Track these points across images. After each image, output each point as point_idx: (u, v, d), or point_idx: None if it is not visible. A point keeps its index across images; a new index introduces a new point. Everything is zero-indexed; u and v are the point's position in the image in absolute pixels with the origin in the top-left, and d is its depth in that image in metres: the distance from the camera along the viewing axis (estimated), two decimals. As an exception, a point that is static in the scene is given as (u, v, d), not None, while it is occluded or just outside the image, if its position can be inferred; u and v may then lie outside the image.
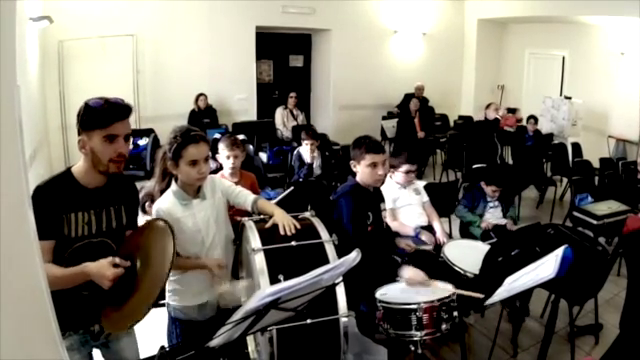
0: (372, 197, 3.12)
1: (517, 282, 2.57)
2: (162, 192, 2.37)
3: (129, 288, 1.77)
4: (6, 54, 1.03)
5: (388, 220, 3.75)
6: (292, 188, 3.65)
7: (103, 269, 1.74)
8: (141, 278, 1.79)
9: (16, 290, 1.03)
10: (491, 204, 4.52)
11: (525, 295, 3.76)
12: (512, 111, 8.10)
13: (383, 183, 3.84)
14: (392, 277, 2.95)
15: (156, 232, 1.95)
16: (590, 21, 8.59)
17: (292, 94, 8.76)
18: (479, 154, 6.67)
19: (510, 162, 7.70)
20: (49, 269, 1.70)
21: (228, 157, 3.39)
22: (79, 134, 1.90)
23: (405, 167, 3.91)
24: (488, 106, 7.14)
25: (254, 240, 2.16)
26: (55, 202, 1.84)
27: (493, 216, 4.50)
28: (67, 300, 1.88)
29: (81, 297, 1.93)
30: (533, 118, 8.26)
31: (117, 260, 1.78)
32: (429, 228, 3.96)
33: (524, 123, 8.58)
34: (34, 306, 1.16)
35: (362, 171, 3.02)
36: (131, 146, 7.02)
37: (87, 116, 1.86)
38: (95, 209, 1.96)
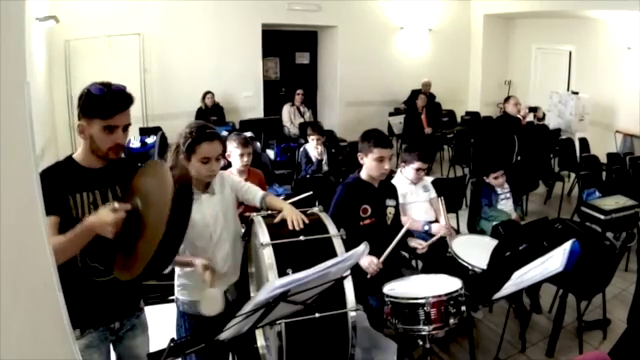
0: (375, 192, 3.13)
1: (525, 276, 2.57)
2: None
3: (137, 232, 1.71)
4: (16, 51, 1.05)
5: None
6: (310, 192, 3.66)
7: (103, 216, 1.68)
8: (146, 218, 1.72)
9: (28, 287, 1.04)
10: (502, 196, 4.42)
11: (534, 291, 3.76)
12: (533, 109, 8.01)
13: (392, 178, 3.86)
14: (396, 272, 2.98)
15: (149, 171, 1.89)
16: (596, 16, 8.53)
17: (299, 91, 8.76)
18: (496, 151, 6.40)
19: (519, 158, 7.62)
20: (53, 239, 1.66)
21: (242, 155, 3.43)
22: (79, 118, 1.88)
23: (417, 164, 3.91)
24: (507, 100, 6.73)
25: (263, 235, 2.17)
26: (59, 183, 1.83)
27: (506, 207, 4.40)
28: (87, 298, 1.90)
29: (100, 293, 1.94)
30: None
31: (116, 205, 1.72)
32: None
33: (545, 122, 8.38)
34: (46, 303, 1.17)
35: (369, 164, 3.05)
36: (139, 144, 6.97)
37: (88, 103, 1.85)
38: (100, 189, 1.94)
